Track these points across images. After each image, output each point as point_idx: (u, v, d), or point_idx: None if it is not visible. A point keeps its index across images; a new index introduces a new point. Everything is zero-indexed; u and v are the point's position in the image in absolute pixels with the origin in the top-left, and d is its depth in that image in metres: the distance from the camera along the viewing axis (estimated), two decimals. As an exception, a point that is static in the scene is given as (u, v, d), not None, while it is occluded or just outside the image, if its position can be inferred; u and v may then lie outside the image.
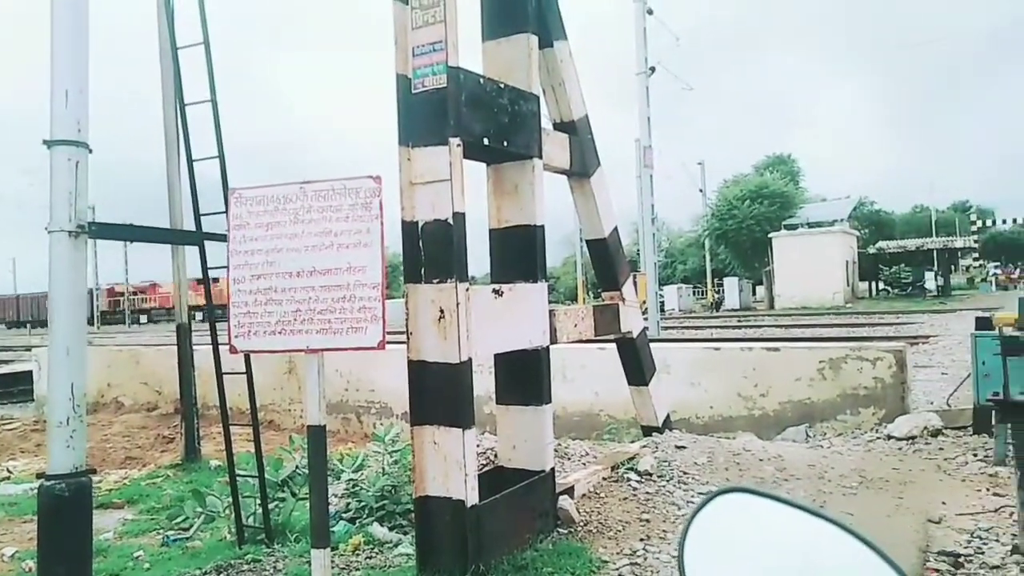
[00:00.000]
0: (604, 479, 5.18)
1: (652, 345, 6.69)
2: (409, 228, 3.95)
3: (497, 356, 4.65)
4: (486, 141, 4.19)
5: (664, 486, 5.14)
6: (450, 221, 3.81)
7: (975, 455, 5.89)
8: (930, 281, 37.45)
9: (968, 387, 6.76)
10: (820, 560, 0.84)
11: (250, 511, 5.12)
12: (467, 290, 3.86)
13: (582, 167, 5.66)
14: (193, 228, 5.24)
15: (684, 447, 5.92)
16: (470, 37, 4.47)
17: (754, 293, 42.54)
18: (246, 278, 3.42)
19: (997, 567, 3.74)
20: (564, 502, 4.58)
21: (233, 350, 3.45)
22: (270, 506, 5.05)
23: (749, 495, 0.94)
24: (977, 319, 6.92)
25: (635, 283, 6.66)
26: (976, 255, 53.39)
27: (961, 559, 3.86)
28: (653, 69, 21.03)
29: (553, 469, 4.64)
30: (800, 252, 35.51)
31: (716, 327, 24.06)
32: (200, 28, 5.33)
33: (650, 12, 20.91)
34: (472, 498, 3.78)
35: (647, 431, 6.44)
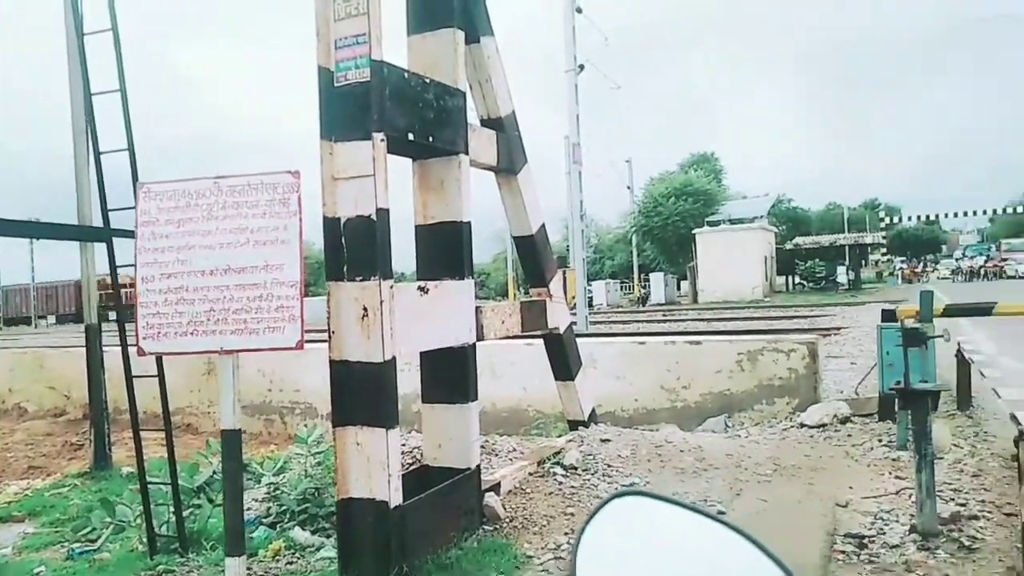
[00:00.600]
0: (530, 474, 5.22)
1: (580, 340, 6.77)
2: (331, 224, 3.85)
3: (423, 354, 4.61)
4: (411, 136, 4.14)
5: (589, 479, 5.22)
6: (373, 217, 3.74)
7: (880, 441, 6.23)
8: (842, 275, 39.44)
9: (874, 376, 7.13)
10: (712, 562, 0.85)
11: (163, 519, 4.90)
12: (391, 287, 3.80)
13: (509, 163, 5.66)
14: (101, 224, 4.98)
15: (609, 440, 6.03)
16: (395, 30, 4.39)
17: (679, 288, 43.72)
18: (155, 277, 3.27)
19: (896, 546, 3.96)
20: (490, 499, 4.59)
21: (141, 352, 3.29)
22: (185, 514, 4.85)
23: (644, 498, 0.94)
24: (883, 311, 7.31)
25: (564, 279, 6.73)
26: (884, 250, 56.30)
27: (865, 540, 4.07)
28: (582, 67, 21.28)
29: (479, 466, 4.64)
30: (722, 248, 36.73)
31: (642, 321, 24.58)
32: (108, 14, 5.05)
33: (579, 11, 21.15)
34: (396, 499, 3.73)
35: (573, 425, 6.52)
